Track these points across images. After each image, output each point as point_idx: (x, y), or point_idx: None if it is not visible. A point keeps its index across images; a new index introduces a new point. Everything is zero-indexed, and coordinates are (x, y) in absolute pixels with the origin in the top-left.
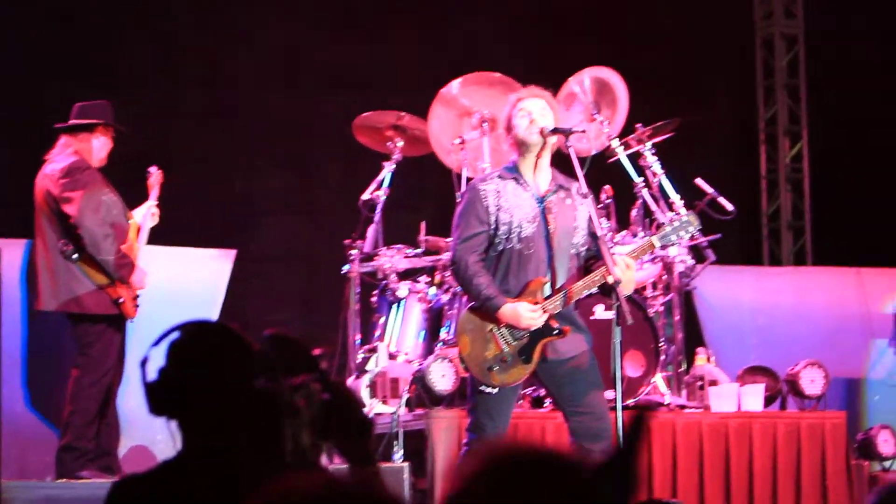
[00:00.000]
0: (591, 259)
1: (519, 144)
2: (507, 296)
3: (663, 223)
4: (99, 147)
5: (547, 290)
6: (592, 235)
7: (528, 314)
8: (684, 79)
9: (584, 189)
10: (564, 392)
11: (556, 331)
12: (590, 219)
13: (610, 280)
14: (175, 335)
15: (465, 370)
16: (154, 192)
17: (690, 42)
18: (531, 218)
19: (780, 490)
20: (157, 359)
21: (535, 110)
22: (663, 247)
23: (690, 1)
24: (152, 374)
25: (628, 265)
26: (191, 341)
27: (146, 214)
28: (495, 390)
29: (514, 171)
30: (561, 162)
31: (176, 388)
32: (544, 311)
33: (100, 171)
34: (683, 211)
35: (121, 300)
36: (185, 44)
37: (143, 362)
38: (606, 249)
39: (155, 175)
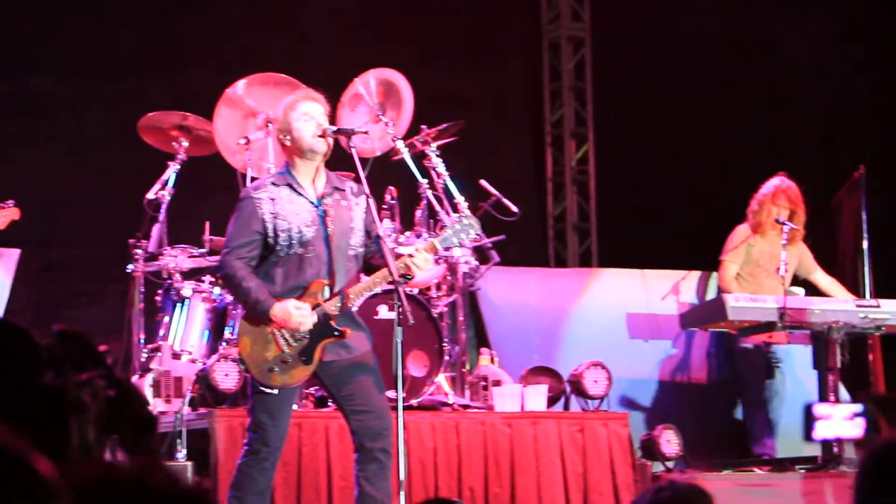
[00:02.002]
0: (371, 256)
1: (304, 150)
2: (288, 297)
3: (446, 225)
4: None
5: (327, 291)
6: (368, 234)
7: (296, 312)
8: (471, 81)
9: (365, 188)
10: (345, 392)
11: (337, 332)
12: (366, 218)
13: (392, 279)
14: None
15: (246, 371)
16: None
17: (478, 44)
18: (309, 222)
19: (570, 490)
20: None
21: (317, 114)
22: (445, 249)
23: (478, 3)
24: None
25: (426, 259)
26: None
27: None
28: (276, 391)
29: (287, 177)
30: (345, 162)
31: None
32: (325, 312)
33: None
34: (466, 213)
35: None
36: None
37: None
38: (388, 250)
39: None
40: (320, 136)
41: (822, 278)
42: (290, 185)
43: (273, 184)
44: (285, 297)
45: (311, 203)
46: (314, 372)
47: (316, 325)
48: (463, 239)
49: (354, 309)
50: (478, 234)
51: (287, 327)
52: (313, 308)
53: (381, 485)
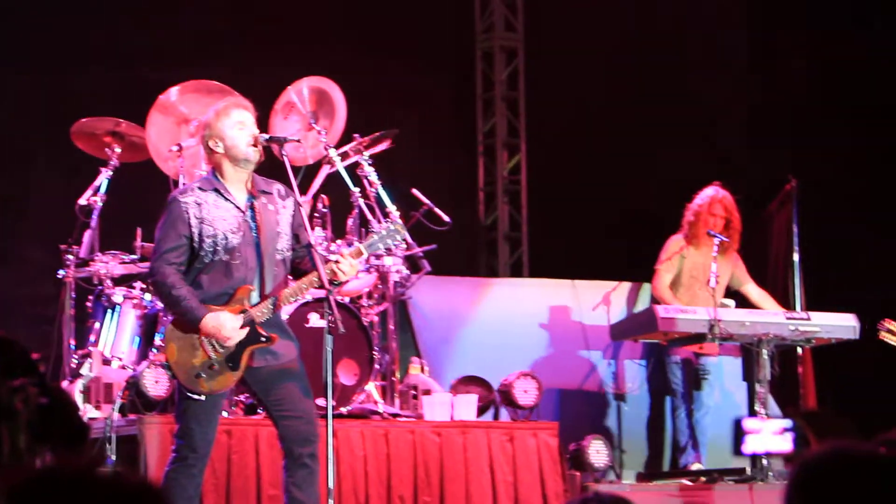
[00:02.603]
0: (298, 260)
1: (238, 158)
2: (216, 304)
3: (373, 231)
4: None
5: (255, 297)
6: (296, 237)
7: (228, 327)
8: (404, 90)
9: (294, 193)
10: (273, 397)
11: (264, 338)
12: (294, 221)
13: (321, 284)
14: None
15: (173, 377)
16: None
17: (411, 53)
18: (235, 228)
19: (500, 499)
20: None
21: (250, 123)
22: (377, 256)
23: (412, 11)
24: None
25: (352, 264)
26: None
27: None
28: (203, 397)
29: (214, 181)
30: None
31: None
32: (252, 318)
33: None
34: (394, 218)
35: None
36: None
37: None
38: (319, 258)
39: None
40: (253, 146)
41: (753, 290)
42: (217, 190)
43: (200, 188)
44: (211, 304)
45: (238, 209)
46: (242, 378)
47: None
48: (389, 244)
49: (285, 317)
50: (404, 240)
51: (216, 339)
52: (239, 313)
53: (310, 491)
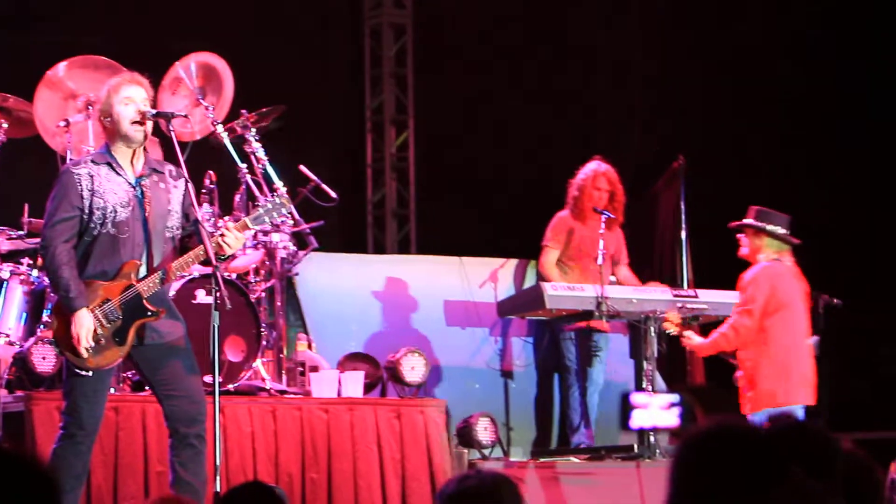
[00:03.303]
0: (187, 238)
1: (120, 134)
2: (103, 279)
3: (258, 205)
4: None
5: (142, 272)
6: (186, 216)
7: (85, 328)
8: (292, 66)
9: (184, 172)
10: (159, 376)
11: (151, 312)
12: (185, 201)
13: (208, 258)
14: None
15: (60, 353)
16: None
17: (300, 29)
18: (125, 203)
19: (387, 476)
20: None
21: (139, 99)
22: (264, 233)
23: None
24: None
25: (237, 237)
26: None
27: None
28: (90, 373)
29: (107, 156)
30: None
31: None
32: (138, 293)
33: None
34: (280, 192)
35: None
36: None
37: None
38: (206, 233)
39: None
40: (138, 123)
41: (622, 272)
42: (109, 164)
43: (93, 161)
44: (96, 279)
45: (129, 184)
46: (129, 356)
47: (129, 305)
48: (275, 218)
49: (172, 294)
50: (290, 214)
51: (72, 333)
52: (126, 289)
53: (197, 470)
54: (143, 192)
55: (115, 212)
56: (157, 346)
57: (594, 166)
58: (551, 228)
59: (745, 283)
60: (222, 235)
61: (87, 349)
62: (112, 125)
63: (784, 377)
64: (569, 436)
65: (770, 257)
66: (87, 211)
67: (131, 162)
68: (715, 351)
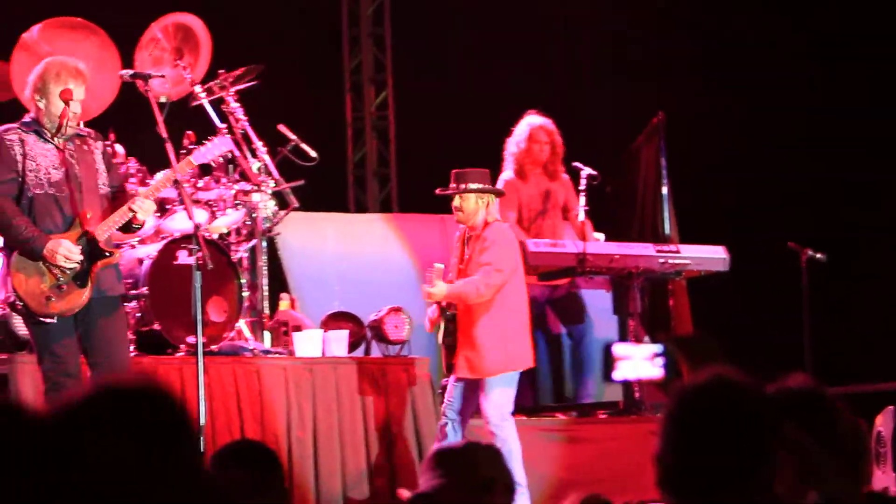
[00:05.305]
0: (118, 194)
1: (52, 121)
2: (52, 233)
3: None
4: None
5: (92, 222)
6: (109, 170)
7: (65, 248)
8: (270, 26)
9: (100, 135)
10: (90, 339)
11: (109, 254)
12: (105, 160)
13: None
14: None
15: (22, 305)
16: None
17: None
18: (57, 164)
19: (372, 434)
20: None
21: (78, 98)
22: (245, 192)
23: None
24: None
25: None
26: None
27: None
28: (55, 319)
29: (34, 125)
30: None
31: None
32: (94, 237)
33: None
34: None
35: None
36: None
37: None
38: (187, 195)
39: None
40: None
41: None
42: (37, 132)
43: (21, 129)
44: (47, 235)
45: (57, 148)
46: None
47: (87, 249)
48: (216, 154)
49: (153, 255)
50: (229, 149)
51: (53, 262)
52: (81, 236)
53: None
54: (71, 155)
55: (49, 173)
56: (101, 298)
57: (531, 121)
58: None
59: None
60: (134, 203)
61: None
62: (44, 108)
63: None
64: (562, 392)
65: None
66: (21, 173)
67: (57, 131)
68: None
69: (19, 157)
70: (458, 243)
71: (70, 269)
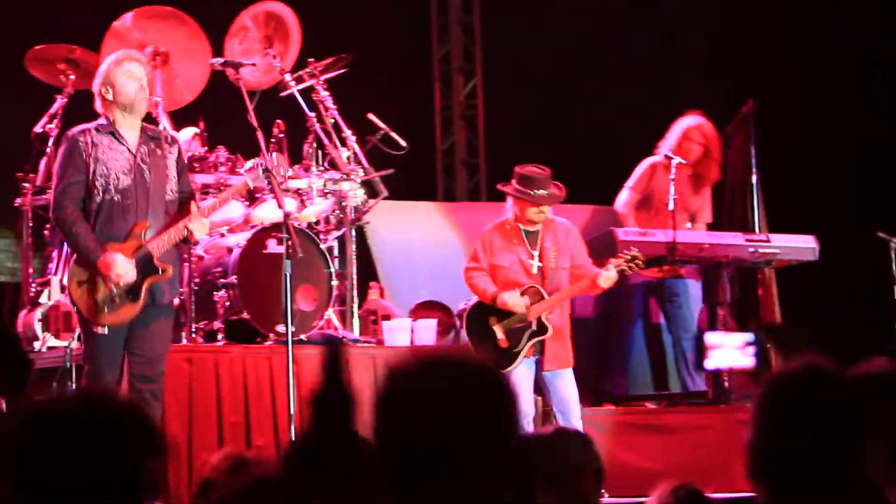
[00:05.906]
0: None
1: (126, 105)
2: (112, 241)
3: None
4: None
5: (150, 233)
6: (180, 176)
7: (120, 265)
8: (359, 15)
9: (177, 137)
10: (133, 331)
11: (162, 270)
12: (178, 166)
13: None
14: None
15: (77, 313)
16: None
17: None
18: (127, 170)
19: None
20: None
21: (140, 75)
22: (335, 181)
23: None
24: None
25: (202, 224)
26: None
27: None
28: (106, 330)
29: (108, 127)
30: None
31: None
32: (148, 252)
33: None
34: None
35: None
36: None
37: None
38: (277, 184)
39: None
40: (141, 97)
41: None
42: (112, 134)
43: (96, 130)
44: (106, 243)
45: (130, 151)
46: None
47: (142, 263)
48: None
49: (242, 244)
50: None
51: (108, 277)
52: (137, 249)
53: None
54: (143, 159)
55: (118, 179)
56: (148, 306)
57: (690, 120)
58: (635, 173)
59: None
60: (189, 222)
61: (116, 291)
62: (113, 97)
63: None
64: (652, 382)
65: None
66: (90, 178)
67: (130, 131)
68: None
69: (90, 161)
70: (504, 239)
71: (124, 284)
